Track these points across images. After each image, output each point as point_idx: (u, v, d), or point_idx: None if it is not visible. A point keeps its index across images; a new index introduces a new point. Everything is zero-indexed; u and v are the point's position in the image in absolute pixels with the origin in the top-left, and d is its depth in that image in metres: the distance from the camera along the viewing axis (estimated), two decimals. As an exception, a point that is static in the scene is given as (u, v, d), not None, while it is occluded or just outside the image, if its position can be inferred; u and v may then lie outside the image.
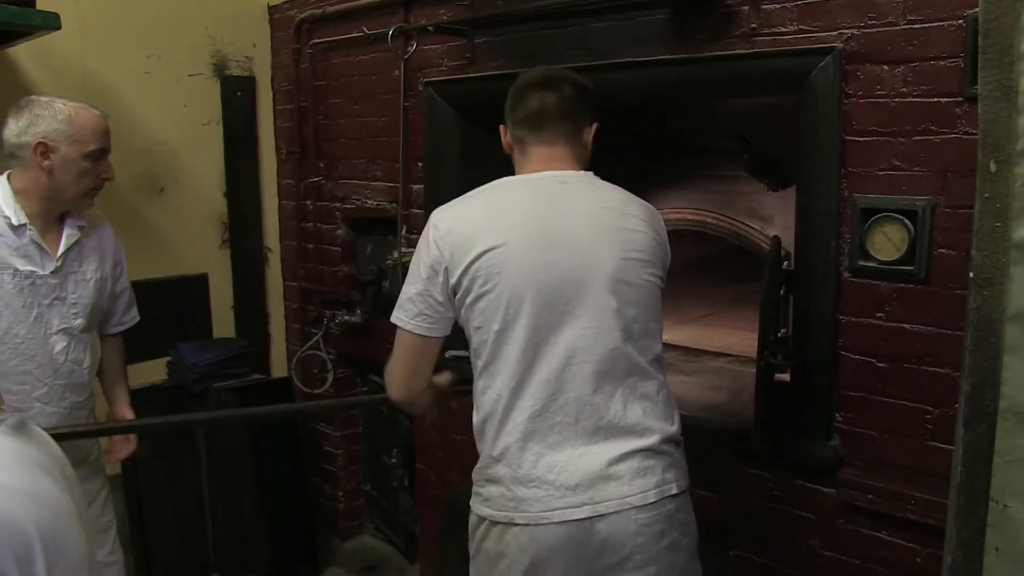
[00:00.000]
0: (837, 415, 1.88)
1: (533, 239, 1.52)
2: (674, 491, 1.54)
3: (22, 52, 2.69)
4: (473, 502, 1.63)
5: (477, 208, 1.60)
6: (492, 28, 2.47)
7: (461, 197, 1.65)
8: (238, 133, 3.32)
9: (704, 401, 2.30)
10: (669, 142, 2.80)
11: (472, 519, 1.64)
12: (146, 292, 3.04)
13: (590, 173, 1.67)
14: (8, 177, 1.93)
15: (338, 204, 3.17)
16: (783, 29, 1.87)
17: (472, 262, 1.52)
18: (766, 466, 2.00)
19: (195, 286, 3.27)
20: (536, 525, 1.49)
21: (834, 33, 1.79)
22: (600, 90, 2.26)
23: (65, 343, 2.01)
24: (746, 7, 1.92)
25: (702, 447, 2.12)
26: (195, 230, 3.25)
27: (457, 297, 1.55)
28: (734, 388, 2.40)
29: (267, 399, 3.04)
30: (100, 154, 1.96)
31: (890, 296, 1.77)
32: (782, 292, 1.96)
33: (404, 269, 2.78)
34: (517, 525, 1.51)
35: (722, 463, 2.08)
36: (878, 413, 1.81)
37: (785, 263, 2.03)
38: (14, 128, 1.89)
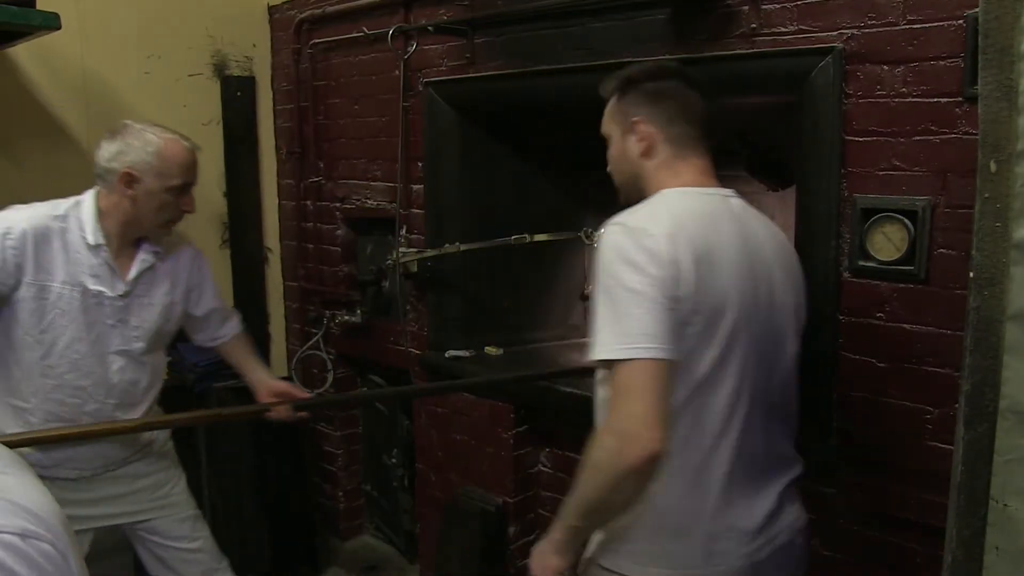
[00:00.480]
0: (837, 415, 1.88)
1: (744, 269, 1.39)
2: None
3: (22, 52, 2.69)
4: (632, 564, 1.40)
5: (690, 221, 1.36)
6: (492, 28, 2.47)
7: (661, 204, 1.41)
8: (238, 133, 3.32)
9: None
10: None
11: None
12: (146, 292, 3.05)
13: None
14: (96, 194, 1.95)
15: (338, 204, 3.17)
16: (783, 29, 1.87)
17: (699, 284, 1.31)
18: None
19: (195, 286, 3.27)
20: None
21: (834, 33, 1.79)
22: (600, 90, 2.27)
23: (122, 363, 2.01)
24: (746, 7, 1.92)
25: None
26: (195, 230, 3.24)
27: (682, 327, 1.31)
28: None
29: (267, 399, 3.03)
30: (183, 188, 1.98)
31: (890, 296, 1.77)
32: (782, 292, 1.95)
33: (404, 269, 2.80)
34: None
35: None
36: (878, 413, 1.81)
37: (785, 263, 2.02)
38: (106, 152, 1.92)
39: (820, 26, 1.81)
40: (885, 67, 1.73)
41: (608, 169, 1.58)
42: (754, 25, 1.91)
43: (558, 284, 2.91)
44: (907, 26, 1.69)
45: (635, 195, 1.50)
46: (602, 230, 1.37)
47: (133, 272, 1.98)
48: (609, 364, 1.28)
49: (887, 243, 1.75)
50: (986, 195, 0.99)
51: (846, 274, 1.83)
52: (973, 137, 1.19)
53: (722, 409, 1.35)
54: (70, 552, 0.74)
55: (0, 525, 0.69)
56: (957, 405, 1.08)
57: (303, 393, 2.21)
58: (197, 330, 2.27)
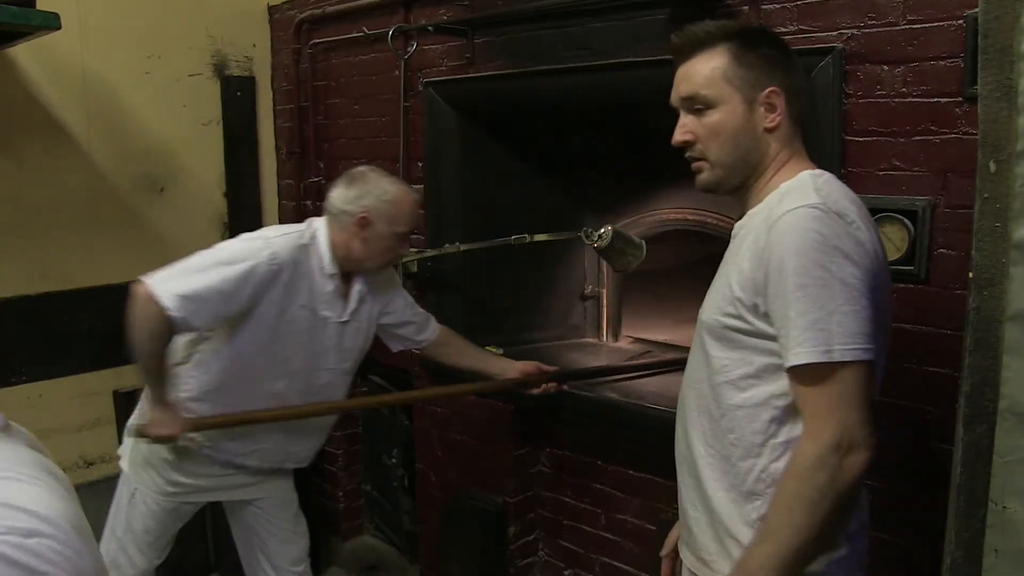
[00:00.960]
0: (837, 415, 1.87)
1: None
2: None
3: (22, 52, 2.69)
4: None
5: (859, 205, 1.28)
6: (492, 28, 2.47)
7: (827, 188, 1.26)
8: (238, 133, 3.32)
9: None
10: (669, 142, 2.80)
11: None
12: (146, 292, 3.05)
13: None
14: (328, 227, 2.10)
15: (338, 204, 3.16)
16: (783, 29, 1.87)
17: (872, 266, 1.22)
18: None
19: (195, 286, 3.27)
20: None
21: (834, 33, 1.79)
22: (600, 90, 2.27)
23: (330, 378, 2.19)
24: (746, 7, 1.92)
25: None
26: (195, 230, 3.25)
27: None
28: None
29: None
30: (407, 235, 2.14)
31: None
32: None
33: (404, 269, 2.80)
34: None
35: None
36: (878, 413, 1.81)
37: (785, 263, 2.02)
38: (345, 195, 2.08)
39: (820, 26, 1.81)
40: (885, 67, 1.73)
41: (680, 140, 1.38)
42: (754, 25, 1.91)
43: (558, 284, 2.91)
44: (907, 26, 1.69)
45: (738, 176, 1.35)
46: (784, 211, 1.21)
47: (353, 303, 2.15)
48: (812, 367, 1.15)
49: (887, 243, 1.74)
50: (986, 195, 0.99)
51: (846, 274, 1.83)
52: (973, 137, 1.18)
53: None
54: (83, 550, 0.74)
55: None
56: (957, 405, 1.08)
57: (549, 368, 2.35)
58: (393, 339, 2.38)
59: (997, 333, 0.99)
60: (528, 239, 2.47)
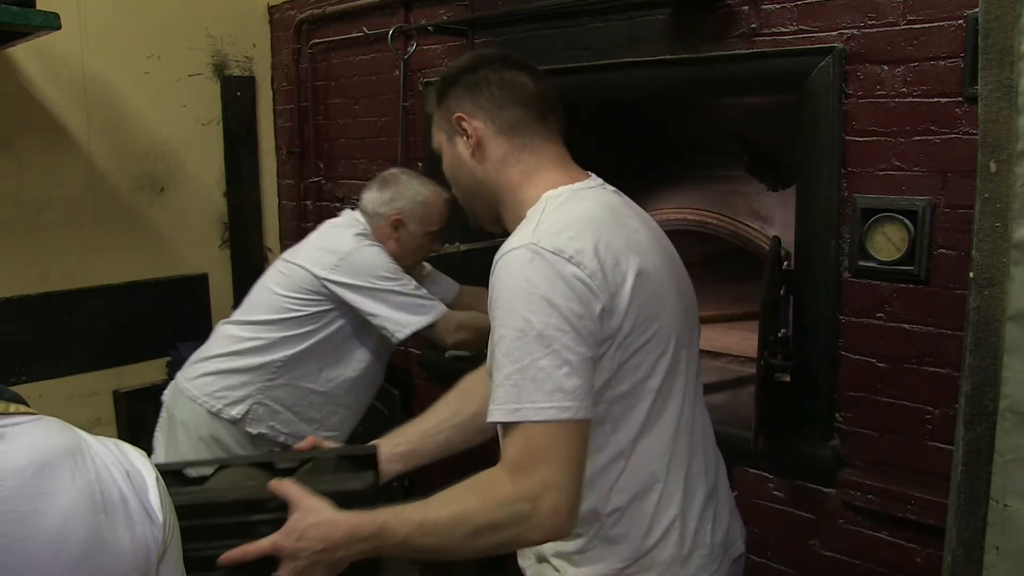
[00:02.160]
0: (837, 415, 1.88)
1: (660, 269, 1.20)
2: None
3: (22, 52, 2.69)
4: None
5: (602, 225, 1.16)
6: (492, 28, 2.47)
7: (566, 207, 1.18)
8: (238, 133, 3.32)
9: (704, 401, 2.30)
10: (669, 142, 2.80)
11: None
12: (146, 292, 3.05)
13: None
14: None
15: (338, 204, 3.17)
16: (783, 29, 1.87)
17: (633, 297, 1.12)
18: (766, 466, 2.00)
19: (195, 286, 3.27)
20: None
21: (834, 33, 1.79)
22: (600, 90, 2.27)
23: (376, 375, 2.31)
24: (746, 7, 1.92)
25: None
26: (195, 230, 3.25)
27: (610, 348, 1.12)
28: (734, 388, 2.40)
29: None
30: (438, 234, 2.24)
31: (890, 296, 1.77)
32: (782, 292, 1.96)
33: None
34: None
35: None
36: (878, 413, 1.81)
37: (785, 263, 2.03)
38: (379, 197, 2.19)
39: (820, 26, 1.81)
40: (885, 67, 1.73)
41: (452, 192, 1.37)
42: (754, 25, 1.91)
43: (558, 284, 2.90)
44: (907, 26, 1.69)
45: (487, 211, 1.31)
46: (503, 252, 1.12)
47: None
48: (511, 425, 1.07)
49: (887, 243, 1.75)
50: (986, 195, 0.99)
51: (846, 274, 1.83)
52: (973, 137, 1.19)
53: (672, 422, 1.21)
54: None
55: None
56: (957, 405, 1.08)
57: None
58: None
59: (997, 333, 0.99)
60: (528, 239, 2.46)
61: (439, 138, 1.32)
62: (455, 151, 1.28)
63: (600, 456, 1.16)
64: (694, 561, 1.22)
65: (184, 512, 0.91)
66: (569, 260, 1.08)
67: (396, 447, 1.47)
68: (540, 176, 1.24)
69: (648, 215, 1.32)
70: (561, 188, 1.21)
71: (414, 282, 2.16)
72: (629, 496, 1.19)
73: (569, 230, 1.11)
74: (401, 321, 2.10)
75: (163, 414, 2.27)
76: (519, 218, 1.21)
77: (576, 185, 1.23)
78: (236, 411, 2.16)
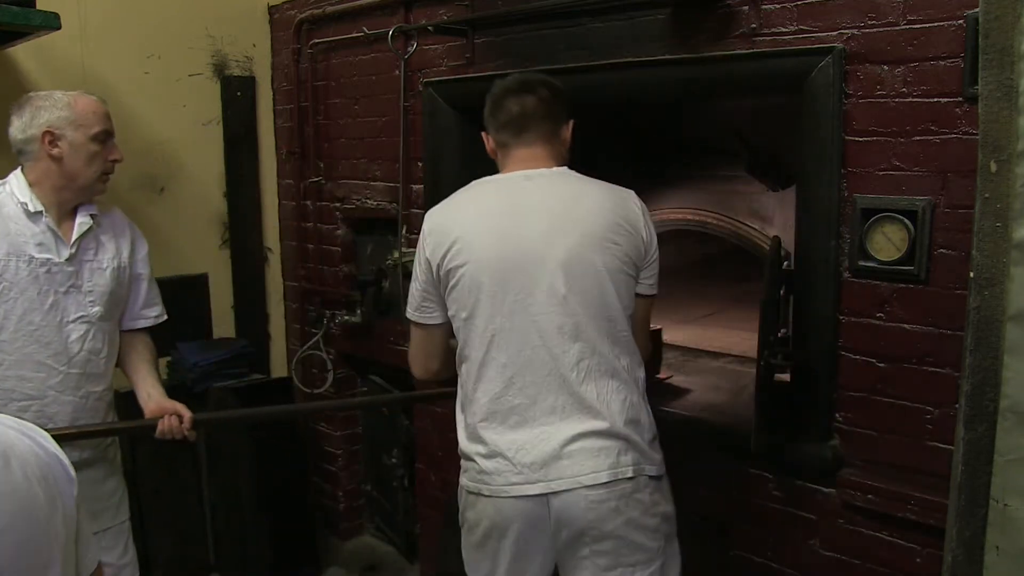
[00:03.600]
0: (837, 415, 1.88)
1: (491, 232, 1.66)
2: (629, 474, 1.60)
3: (22, 52, 2.69)
4: (461, 475, 1.74)
5: (451, 206, 1.76)
6: (492, 28, 2.47)
7: (448, 198, 1.80)
8: (238, 133, 3.32)
9: (704, 401, 2.30)
10: (669, 142, 2.80)
11: (459, 491, 1.75)
12: (146, 292, 3.05)
13: (563, 168, 1.76)
14: (23, 170, 1.96)
15: (338, 204, 3.17)
16: (783, 29, 1.87)
17: (445, 256, 1.67)
18: (766, 466, 2.00)
19: (195, 286, 3.27)
20: (497, 497, 1.62)
21: (834, 33, 1.79)
22: (600, 90, 2.27)
23: (82, 332, 2.00)
24: (746, 7, 1.92)
25: (702, 447, 2.13)
26: (195, 230, 3.25)
27: (441, 289, 1.72)
28: (734, 388, 2.40)
29: (267, 399, 3.04)
30: (106, 136, 1.99)
31: (890, 296, 1.77)
32: (782, 292, 1.96)
33: (404, 269, 2.80)
34: (484, 496, 1.64)
35: (722, 463, 2.08)
36: (878, 413, 1.81)
37: (785, 263, 2.03)
38: (18, 124, 1.93)
39: (820, 26, 1.81)
40: (885, 67, 1.73)
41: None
42: (754, 25, 1.91)
43: (558, 284, 2.91)
44: (907, 26, 1.69)
45: None
46: None
47: (75, 234, 1.97)
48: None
49: (887, 243, 1.75)
50: (986, 195, 0.99)
51: (846, 274, 1.83)
52: (973, 137, 1.19)
53: (476, 352, 1.66)
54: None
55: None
56: (957, 405, 1.08)
57: (184, 410, 2.09)
58: (124, 304, 2.16)
59: (998, 333, 0.99)
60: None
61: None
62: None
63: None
64: (484, 467, 1.65)
65: None
66: (424, 227, 1.76)
67: None
68: (502, 172, 1.79)
69: (562, 196, 1.70)
70: (480, 179, 1.79)
71: None
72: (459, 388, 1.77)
73: (438, 207, 1.79)
74: None
75: None
76: None
77: (490, 176, 1.79)
78: None
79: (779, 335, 1.97)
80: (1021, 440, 0.96)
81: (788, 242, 2.05)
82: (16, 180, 1.95)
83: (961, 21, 1.61)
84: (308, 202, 3.29)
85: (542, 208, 1.67)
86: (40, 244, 1.93)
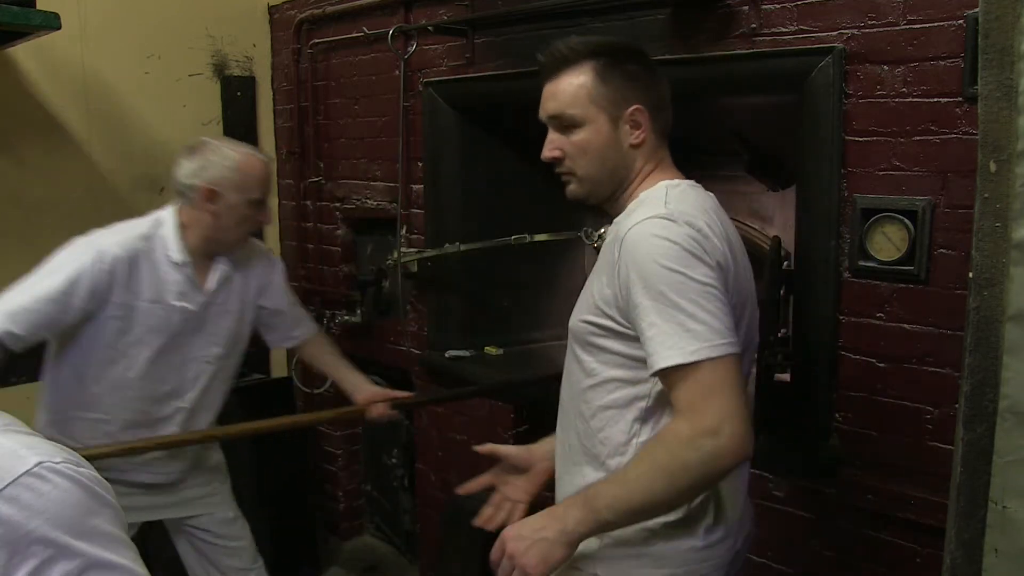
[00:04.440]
0: (837, 415, 1.88)
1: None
2: None
3: (22, 52, 2.69)
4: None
5: (709, 211, 1.34)
6: (492, 28, 2.47)
7: (678, 200, 1.32)
8: (238, 133, 3.32)
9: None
10: (669, 142, 2.80)
11: None
12: (146, 292, 3.05)
13: None
14: (178, 211, 2.02)
15: (338, 204, 3.17)
16: (783, 29, 1.87)
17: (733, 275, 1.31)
18: (766, 466, 2.00)
19: (195, 286, 3.27)
20: None
21: (834, 33, 1.79)
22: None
23: (200, 370, 2.08)
24: (746, 7, 1.92)
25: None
26: (195, 230, 3.25)
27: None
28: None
29: (267, 399, 3.04)
30: (262, 201, 2.04)
31: (890, 296, 1.77)
32: (782, 292, 1.96)
33: (404, 269, 2.80)
34: None
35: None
36: (878, 413, 1.81)
37: (785, 263, 2.03)
38: (187, 168, 1.98)
39: (820, 26, 1.81)
40: (885, 67, 1.73)
41: (550, 156, 1.41)
42: (754, 25, 1.91)
43: (558, 284, 2.91)
44: (907, 26, 1.69)
45: (609, 190, 1.40)
46: (632, 223, 1.26)
47: (213, 284, 2.04)
48: (682, 367, 1.18)
49: (887, 243, 1.75)
50: (986, 195, 0.99)
51: (846, 274, 1.83)
52: (973, 137, 1.18)
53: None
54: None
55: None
56: (957, 405, 1.08)
57: (397, 393, 2.28)
58: (269, 330, 2.28)
59: (997, 333, 0.98)
60: (528, 239, 2.47)
61: (591, 113, 1.35)
62: (613, 134, 1.36)
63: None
64: (717, 533, 1.37)
65: None
66: (699, 232, 1.23)
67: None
68: (663, 170, 1.40)
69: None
70: (678, 181, 1.38)
71: (42, 306, 1.87)
72: None
73: (692, 211, 1.28)
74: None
75: None
76: (629, 201, 1.39)
77: (689, 181, 1.40)
78: None
79: (779, 335, 1.97)
80: (1021, 441, 0.96)
81: (788, 242, 2.04)
82: (169, 223, 2.00)
83: (961, 21, 1.61)
84: (308, 202, 3.29)
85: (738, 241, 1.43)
86: (180, 292, 1.99)
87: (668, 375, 1.20)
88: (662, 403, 1.29)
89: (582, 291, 1.42)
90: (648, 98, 1.36)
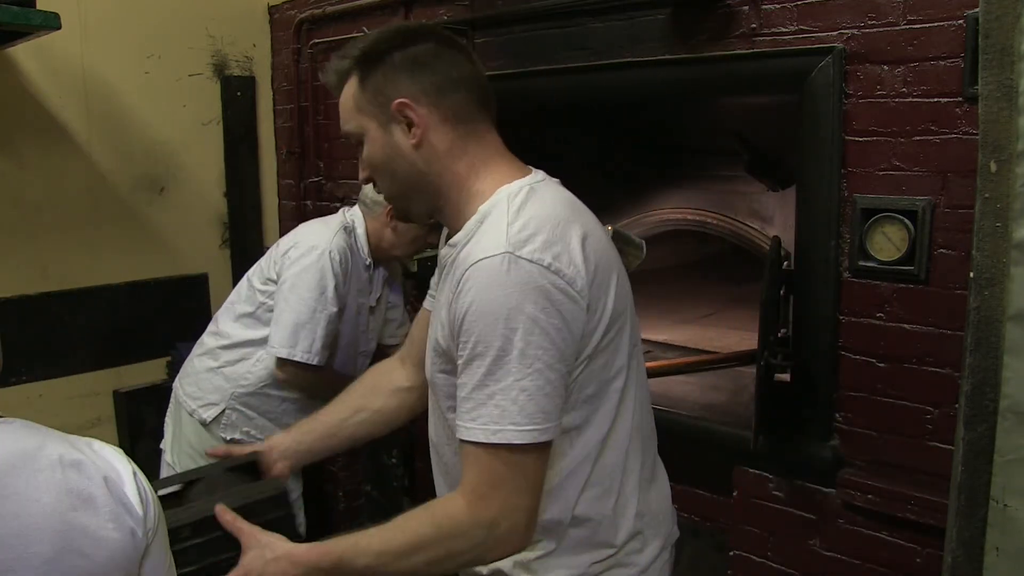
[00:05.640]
0: (837, 415, 1.88)
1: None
2: None
3: (22, 52, 2.69)
4: None
5: (569, 222, 1.11)
6: (492, 28, 2.47)
7: (522, 218, 1.08)
8: (238, 133, 3.32)
9: (704, 401, 2.30)
10: (669, 142, 2.80)
11: None
12: (146, 292, 3.05)
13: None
14: (365, 219, 2.24)
15: (338, 204, 3.16)
16: (783, 29, 1.87)
17: (615, 296, 1.12)
18: (766, 466, 2.00)
19: (195, 286, 3.27)
20: None
21: (834, 33, 1.79)
22: (600, 90, 2.27)
23: (362, 362, 2.35)
24: (746, 7, 1.92)
25: (702, 448, 2.12)
26: (195, 230, 3.25)
27: (584, 351, 1.10)
28: (734, 388, 2.40)
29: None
30: (438, 225, 2.10)
31: (890, 296, 1.77)
32: (782, 292, 1.96)
33: (404, 269, 2.79)
34: None
35: (722, 463, 2.08)
36: (878, 413, 1.81)
37: (785, 263, 2.03)
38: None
39: (820, 26, 1.81)
40: (885, 67, 1.73)
41: (362, 179, 1.22)
42: (754, 25, 1.91)
43: (558, 284, 2.91)
44: (907, 26, 1.69)
45: (424, 206, 1.21)
46: (474, 260, 1.04)
47: (377, 289, 2.34)
48: (480, 447, 1.04)
49: (887, 243, 1.75)
50: (986, 195, 0.99)
51: (846, 274, 1.83)
52: (973, 137, 1.19)
53: (630, 418, 1.19)
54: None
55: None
56: (957, 405, 1.08)
57: None
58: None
59: (998, 333, 0.99)
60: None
61: (362, 123, 1.16)
62: (391, 140, 1.15)
63: (564, 462, 1.14)
64: (648, 552, 1.23)
65: None
66: (548, 269, 1.02)
67: (299, 444, 1.51)
68: (488, 169, 1.17)
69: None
70: (517, 184, 1.14)
71: (325, 318, 2.10)
72: (593, 498, 1.17)
73: (543, 233, 1.05)
74: (275, 337, 2.08)
75: (172, 400, 2.29)
76: (463, 214, 1.16)
77: (529, 180, 1.16)
78: (208, 414, 2.16)
79: (779, 335, 1.97)
80: (1021, 440, 0.96)
81: (788, 242, 2.04)
82: (360, 230, 2.23)
83: (961, 21, 1.61)
84: (308, 202, 3.29)
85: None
86: (362, 291, 2.27)
87: (465, 447, 1.07)
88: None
89: (429, 334, 1.25)
90: (419, 86, 1.13)
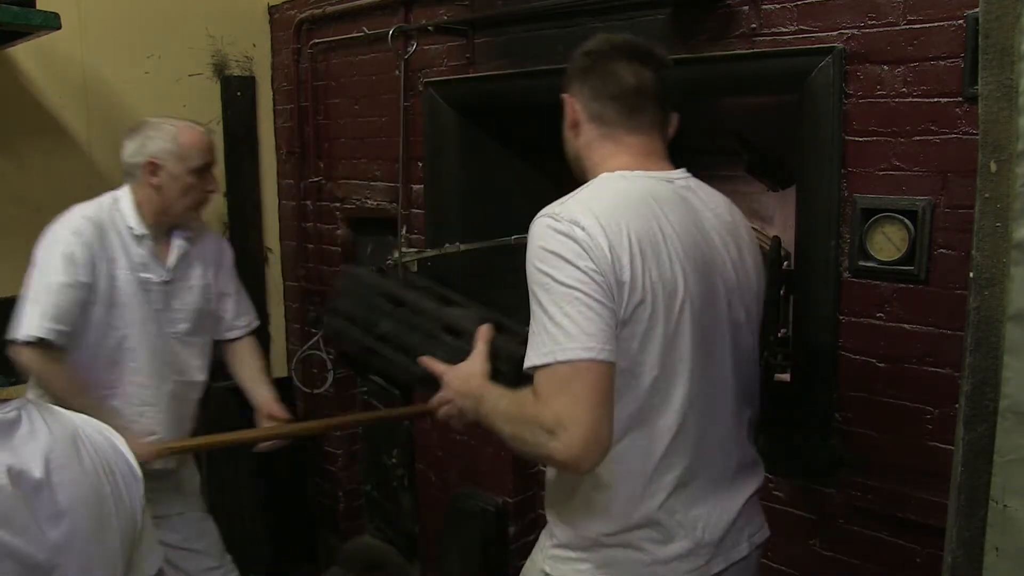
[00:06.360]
0: (837, 415, 1.88)
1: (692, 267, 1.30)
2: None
3: (22, 52, 2.69)
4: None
5: (620, 204, 1.28)
6: (492, 28, 2.47)
7: (587, 191, 1.32)
8: (238, 133, 3.32)
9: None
10: (669, 142, 2.80)
11: None
12: (146, 292, 3.05)
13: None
14: (131, 190, 2.10)
15: (338, 204, 3.17)
16: (783, 29, 1.87)
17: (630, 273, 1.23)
18: (766, 466, 1.99)
19: (195, 286, 3.27)
20: None
21: (834, 33, 1.79)
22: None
23: (174, 348, 2.17)
24: (746, 7, 1.92)
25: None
26: (195, 230, 3.25)
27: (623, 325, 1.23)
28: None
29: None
30: (204, 168, 2.11)
31: (890, 296, 1.77)
32: (782, 292, 1.96)
33: (404, 269, 2.80)
34: None
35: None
36: (878, 413, 1.81)
37: (785, 263, 2.03)
38: (129, 148, 2.08)
39: (820, 26, 1.81)
40: (885, 67, 1.73)
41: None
42: (754, 25, 1.91)
43: (558, 284, 2.91)
44: (907, 26, 1.69)
45: (580, 177, 1.44)
46: (534, 220, 1.28)
47: (173, 258, 2.13)
48: (542, 367, 1.19)
49: (887, 243, 1.75)
50: (986, 195, 0.99)
51: (846, 274, 1.83)
52: (973, 137, 1.19)
53: (676, 410, 1.28)
54: None
55: None
56: (957, 405, 1.08)
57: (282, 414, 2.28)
58: (218, 317, 2.33)
59: (997, 333, 0.99)
60: (528, 239, 2.47)
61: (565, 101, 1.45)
62: (565, 121, 1.46)
63: None
64: (671, 548, 1.31)
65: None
66: (581, 229, 1.21)
67: None
68: (612, 161, 1.38)
69: (720, 214, 1.42)
70: (618, 172, 1.35)
71: (57, 285, 1.94)
72: (619, 474, 1.28)
73: (586, 203, 1.26)
74: (20, 318, 1.93)
75: None
76: None
77: (631, 172, 1.35)
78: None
79: (779, 335, 1.97)
80: (1021, 440, 0.96)
81: (788, 242, 2.05)
82: (126, 200, 2.09)
83: (961, 21, 1.61)
84: (308, 202, 3.29)
85: (722, 235, 1.40)
86: (144, 264, 2.08)
87: (533, 374, 1.22)
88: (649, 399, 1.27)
89: None
90: (580, 90, 1.44)
